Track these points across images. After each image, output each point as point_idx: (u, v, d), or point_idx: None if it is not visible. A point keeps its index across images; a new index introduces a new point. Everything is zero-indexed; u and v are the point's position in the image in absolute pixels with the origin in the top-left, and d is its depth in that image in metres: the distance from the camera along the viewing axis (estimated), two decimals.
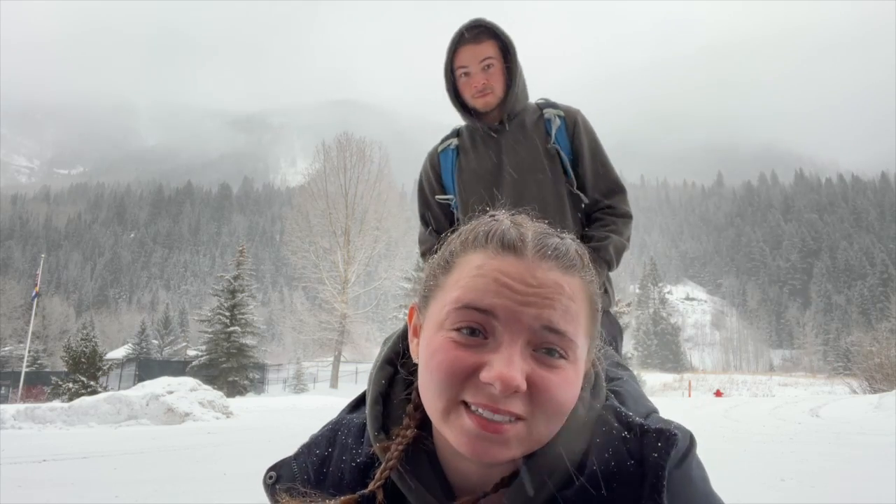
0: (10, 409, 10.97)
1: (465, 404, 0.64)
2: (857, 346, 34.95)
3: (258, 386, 33.47)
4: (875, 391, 22.56)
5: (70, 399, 16.08)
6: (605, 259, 2.01)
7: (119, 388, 21.14)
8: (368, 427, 0.76)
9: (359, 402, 0.85)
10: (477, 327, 0.65)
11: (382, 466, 0.70)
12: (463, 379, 0.64)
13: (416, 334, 0.75)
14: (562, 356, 0.65)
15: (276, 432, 9.67)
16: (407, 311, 0.74)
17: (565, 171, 2.08)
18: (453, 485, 0.72)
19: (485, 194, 2.06)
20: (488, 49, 2.03)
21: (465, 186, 2.14)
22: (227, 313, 31.20)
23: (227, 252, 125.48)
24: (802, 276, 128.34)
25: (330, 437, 0.80)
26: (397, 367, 0.80)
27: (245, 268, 33.22)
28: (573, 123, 2.11)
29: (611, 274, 2.09)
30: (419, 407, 0.73)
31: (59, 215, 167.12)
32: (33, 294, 26.23)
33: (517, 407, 0.63)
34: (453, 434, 0.65)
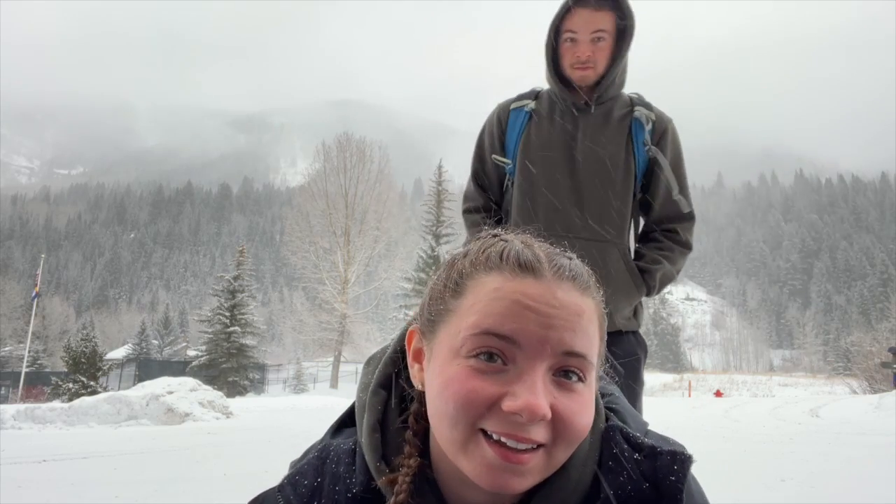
0: (10, 409, 10.98)
1: (484, 433, 0.62)
2: (857, 346, 34.95)
3: (258, 386, 33.52)
4: (875, 391, 22.60)
5: (70, 399, 16.06)
6: (648, 284, 1.86)
7: (119, 389, 21.12)
8: (367, 457, 0.71)
9: (340, 426, 0.81)
10: (496, 352, 0.62)
11: (393, 500, 0.67)
12: (483, 410, 0.62)
13: (419, 359, 0.72)
14: (580, 379, 0.64)
15: (277, 432, 9.66)
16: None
17: (636, 178, 1.90)
18: None
19: (549, 170, 1.88)
20: (605, 20, 1.80)
21: (528, 156, 1.91)
22: (227, 313, 31.23)
23: (227, 252, 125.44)
24: (802, 276, 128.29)
25: (317, 466, 0.74)
26: (391, 391, 0.76)
27: (245, 268, 33.29)
28: (662, 131, 1.91)
29: None
30: (418, 433, 0.71)
31: (59, 215, 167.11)
32: (33, 294, 26.27)
33: (540, 435, 0.61)
34: (472, 465, 0.62)
